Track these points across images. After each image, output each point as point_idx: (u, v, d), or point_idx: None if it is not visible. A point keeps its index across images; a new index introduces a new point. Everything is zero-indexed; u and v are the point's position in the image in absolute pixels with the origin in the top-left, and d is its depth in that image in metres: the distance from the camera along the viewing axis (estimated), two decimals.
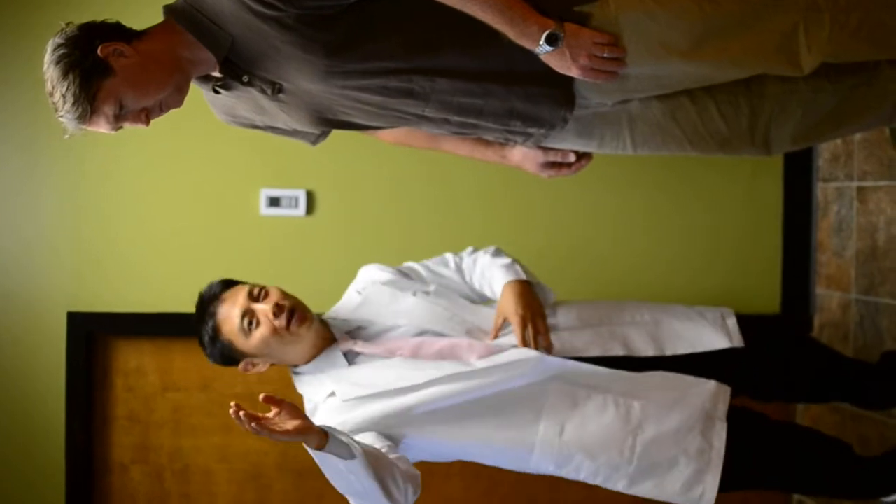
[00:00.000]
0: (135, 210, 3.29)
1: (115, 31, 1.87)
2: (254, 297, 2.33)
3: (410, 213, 3.33)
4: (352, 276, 2.58)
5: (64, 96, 1.82)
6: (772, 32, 1.96)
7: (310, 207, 3.31)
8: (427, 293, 2.45)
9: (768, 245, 3.40)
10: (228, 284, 2.38)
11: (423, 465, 2.24)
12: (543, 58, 1.91)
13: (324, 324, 2.42)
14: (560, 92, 2.01)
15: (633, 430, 2.29)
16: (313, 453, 1.96)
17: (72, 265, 3.28)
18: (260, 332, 2.31)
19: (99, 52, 1.81)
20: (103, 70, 1.82)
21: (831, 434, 2.61)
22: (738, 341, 2.40)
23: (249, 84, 1.95)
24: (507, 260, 2.47)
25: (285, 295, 2.34)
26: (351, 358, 2.38)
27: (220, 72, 1.94)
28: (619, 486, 2.32)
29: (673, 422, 2.29)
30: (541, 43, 1.87)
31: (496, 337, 2.37)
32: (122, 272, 3.29)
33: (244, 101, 2.04)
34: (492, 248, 2.52)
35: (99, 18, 1.89)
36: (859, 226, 3.11)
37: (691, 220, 3.38)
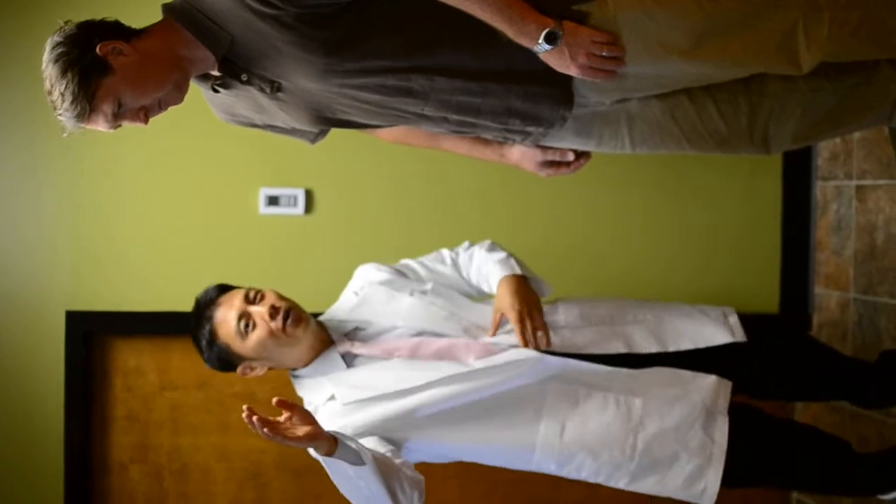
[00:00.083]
0: (134, 209, 3.29)
1: (114, 30, 1.87)
2: (250, 300, 2.34)
3: (409, 212, 3.33)
4: (350, 274, 2.58)
5: (62, 94, 1.81)
6: (772, 31, 1.96)
7: (308, 206, 3.31)
8: (424, 292, 2.45)
9: (767, 244, 3.40)
10: (224, 289, 2.39)
11: (419, 467, 2.23)
12: (542, 56, 1.90)
13: (321, 326, 2.42)
14: (559, 91, 2.01)
15: (635, 428, 2.28)
16: (322, 459, 1.96)
17: (70, 264, 3.28)
18: (256, 335, 2.31)
19: (98, 50, 1.81)
20: (102, 68, 1.82)
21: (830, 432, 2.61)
22: (740, 336, 2.40)
23: (248, 83, 1.94)
24: (502, 255, 2.46)
25: (281, 297, 2.35)
26: (349, 360, 2.38)
27: (219, 70, 1.94)
28: (621, 483, 2.32)
29: (674, 418, 2.29)
30: (539, 41, 1.87)
31: (495, 334, 2.37)
32: (121, 271, 3.29)
33: (243, 99, 2.04)
34: (487, 243, 2.51)
35: (98, 17, 1.89)
36: (858, 225, 3.11)
37: (690, 218, 3.38)
